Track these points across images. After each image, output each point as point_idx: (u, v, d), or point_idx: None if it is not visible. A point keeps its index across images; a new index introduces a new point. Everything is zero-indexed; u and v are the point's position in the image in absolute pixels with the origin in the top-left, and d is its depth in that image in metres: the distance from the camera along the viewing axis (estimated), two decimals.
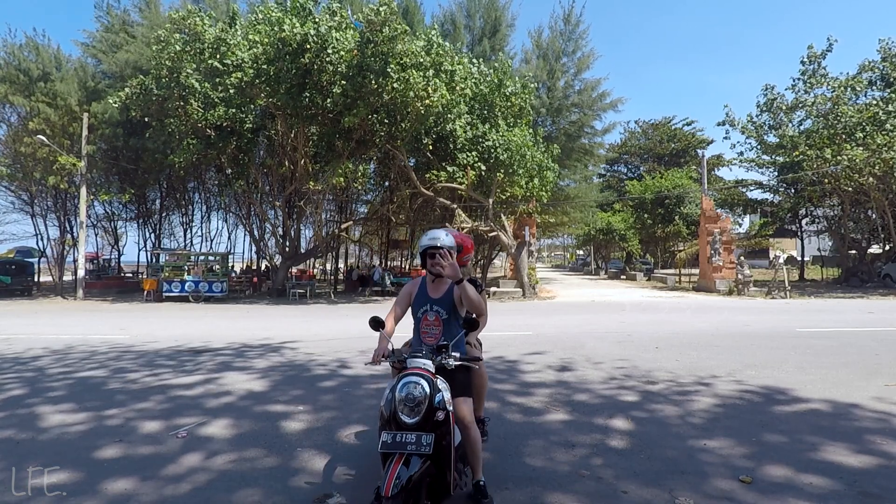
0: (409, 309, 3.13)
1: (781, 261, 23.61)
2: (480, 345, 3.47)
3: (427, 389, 2.55)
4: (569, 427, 4.26)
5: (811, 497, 2.98)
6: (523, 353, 7.58)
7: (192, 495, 3.05)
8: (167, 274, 20.20)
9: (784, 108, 23.66)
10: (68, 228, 25.87)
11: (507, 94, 18.22)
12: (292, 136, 18.05)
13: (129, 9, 23.46)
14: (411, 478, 2.36)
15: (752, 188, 31.45)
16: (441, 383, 2.68)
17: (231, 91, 16.65)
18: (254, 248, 29.66)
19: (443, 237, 2.99)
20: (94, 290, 22.60)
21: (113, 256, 31.18)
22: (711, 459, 3.55)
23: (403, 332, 3.39)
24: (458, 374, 2.85)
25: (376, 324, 2.93)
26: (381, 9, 14.53)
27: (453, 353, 2.82)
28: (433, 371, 2.69)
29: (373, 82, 14.94)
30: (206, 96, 16.91)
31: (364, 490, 3.08)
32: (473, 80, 17.95)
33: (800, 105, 23.03)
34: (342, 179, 17.53)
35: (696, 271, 28.79)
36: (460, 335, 2.96)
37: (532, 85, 19.32)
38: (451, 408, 2.65)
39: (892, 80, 22.54)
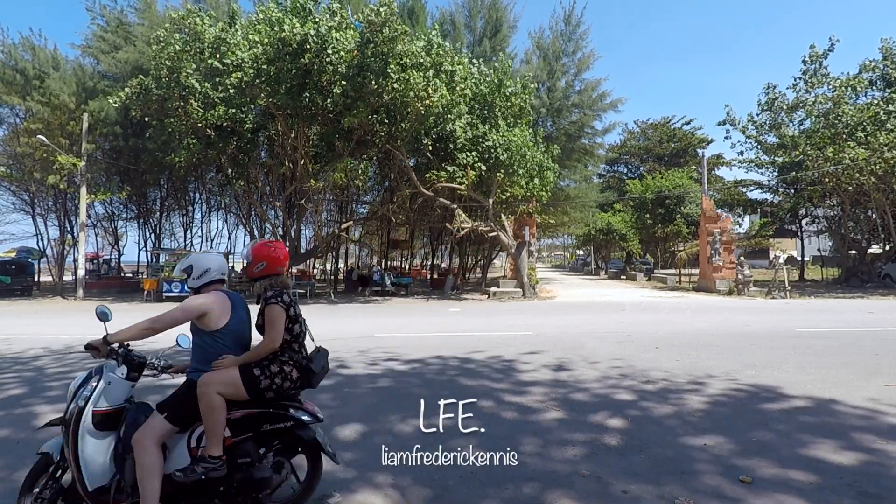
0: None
1: (781, 261, 23.57)
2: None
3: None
4: (567, 427, 4.26)
5: (810, 497, 2.98)
6: (523, 352, 7.57)
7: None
8: (167, 274, 20.18)
9: (785, 107, 23.66)
10: (68, 228, 25.86)
11: (507, 94, 18.22)
12: (292, 136, 18.04)
13: (126, 9, 23.45)
14: None
15: (752, 188, 31.50)
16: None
17: (231, 91, 16.63)
18: None
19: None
20: (94, 290, 22.60)
21: (113, 256, 31.18)
22: (711, 459, 3.54)
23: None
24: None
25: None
26: (381, 9, 14.52)
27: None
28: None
29: (373, 82, 14.94)
30: (206, 96, 16.89)
31: (364, 490, 3.08)
32: (473, 81, 17.94)
33: (801, 104, 23.02)
34: (343, 176, 17.52)
35: (696, 271, 28.78)
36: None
37: (532, 85, 19.31)
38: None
39: (892, 79, 22.53)
